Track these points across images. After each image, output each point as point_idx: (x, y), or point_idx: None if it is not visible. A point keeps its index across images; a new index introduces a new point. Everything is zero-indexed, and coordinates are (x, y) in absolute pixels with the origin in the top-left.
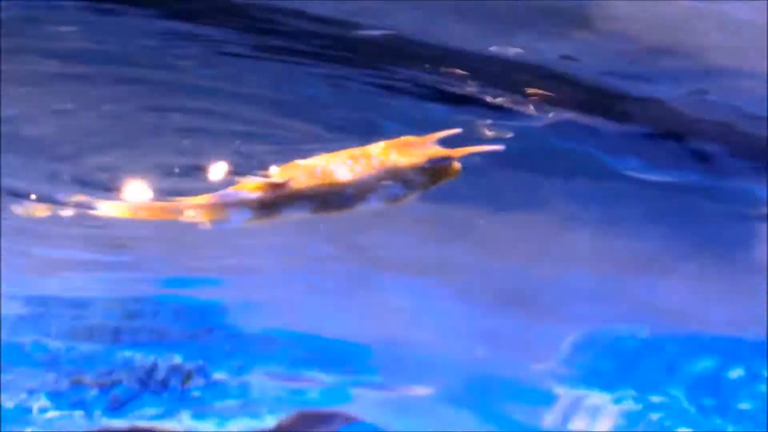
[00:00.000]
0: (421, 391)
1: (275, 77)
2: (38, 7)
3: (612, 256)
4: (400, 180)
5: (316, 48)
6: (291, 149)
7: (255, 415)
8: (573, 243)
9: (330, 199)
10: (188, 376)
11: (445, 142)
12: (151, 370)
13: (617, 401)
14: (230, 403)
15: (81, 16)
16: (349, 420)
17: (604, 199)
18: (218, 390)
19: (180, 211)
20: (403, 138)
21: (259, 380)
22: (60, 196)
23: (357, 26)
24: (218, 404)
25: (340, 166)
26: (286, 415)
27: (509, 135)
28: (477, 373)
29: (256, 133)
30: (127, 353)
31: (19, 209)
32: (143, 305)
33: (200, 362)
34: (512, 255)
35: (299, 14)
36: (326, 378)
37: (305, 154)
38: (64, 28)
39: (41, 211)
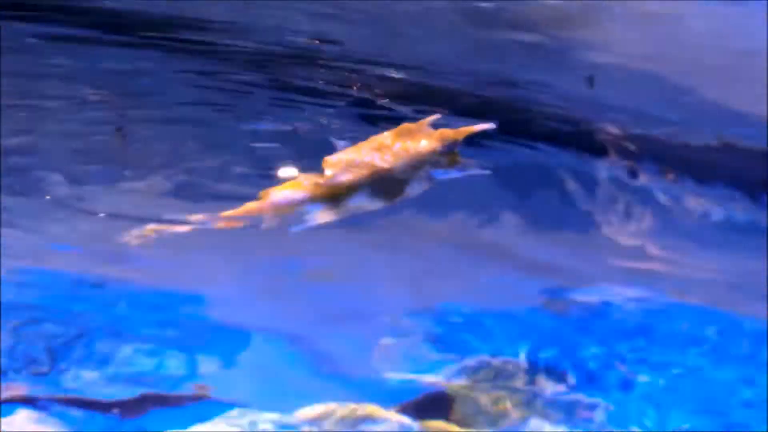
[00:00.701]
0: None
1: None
2: None
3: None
4: (430, 163)
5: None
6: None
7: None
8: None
9: (382, 187)
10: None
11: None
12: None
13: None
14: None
15: None
16: (197, 396)
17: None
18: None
19: (262, 211)
20: (402, 126)
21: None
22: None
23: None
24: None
25: (373, 156)
26: (131, 396)
27: None
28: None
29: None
30: None
31: (135, 233)
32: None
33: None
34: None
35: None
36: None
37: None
38: None
39: (147, 232)
